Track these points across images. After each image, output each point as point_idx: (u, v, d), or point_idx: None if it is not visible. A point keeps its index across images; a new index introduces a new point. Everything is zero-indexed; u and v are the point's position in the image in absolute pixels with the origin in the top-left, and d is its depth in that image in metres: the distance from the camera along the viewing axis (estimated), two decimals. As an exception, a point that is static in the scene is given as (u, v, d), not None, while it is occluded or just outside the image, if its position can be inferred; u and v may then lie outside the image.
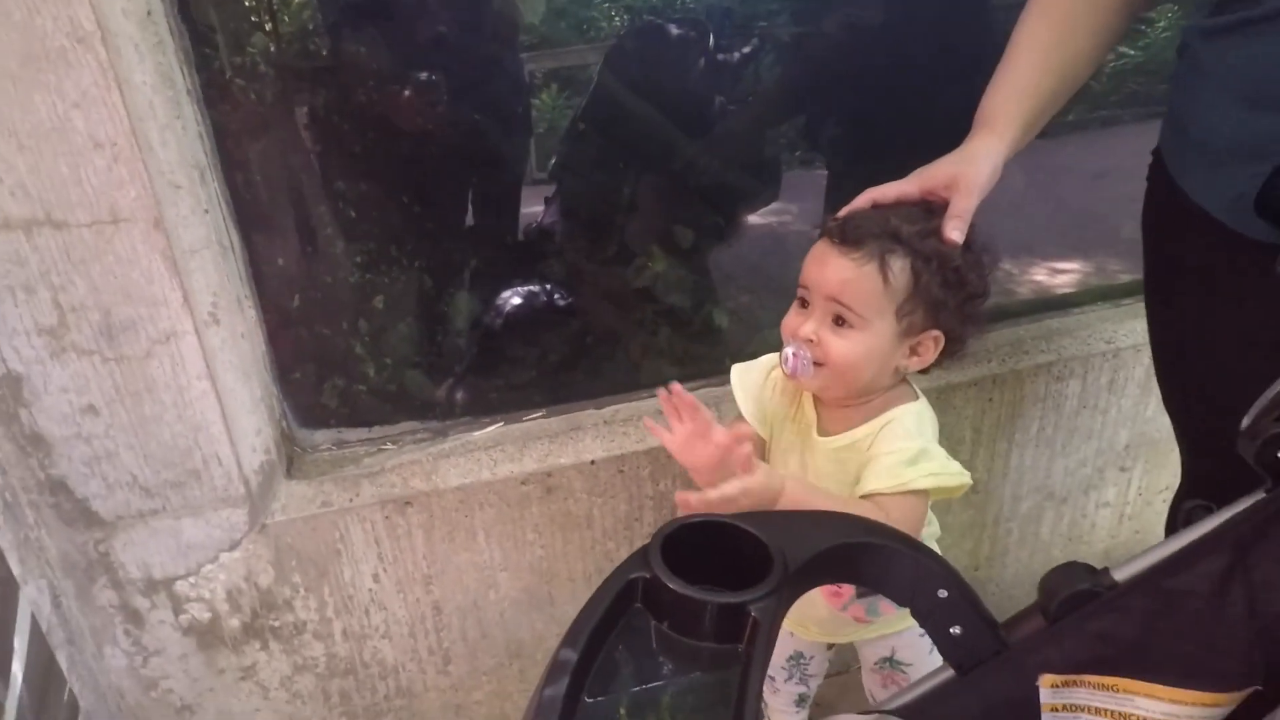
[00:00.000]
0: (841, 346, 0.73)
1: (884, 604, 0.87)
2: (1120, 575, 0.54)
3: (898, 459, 0.74)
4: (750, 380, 0.87)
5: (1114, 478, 1.35)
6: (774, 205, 1.77)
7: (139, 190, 0.75)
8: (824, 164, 1.76)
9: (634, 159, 1.62)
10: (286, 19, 1.08)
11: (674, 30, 1.67)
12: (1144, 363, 1.25)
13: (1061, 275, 1.77)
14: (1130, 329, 1.25)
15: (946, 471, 0.75)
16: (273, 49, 0.99)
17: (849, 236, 0.72)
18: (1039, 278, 1.79)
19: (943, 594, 0.53)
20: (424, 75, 1.16)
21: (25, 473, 0.82)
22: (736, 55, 1.72)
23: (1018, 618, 0.56)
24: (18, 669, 0.74)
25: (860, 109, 1.58)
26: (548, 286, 1.43)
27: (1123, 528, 1.41)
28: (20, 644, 0.75)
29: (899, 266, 0.71)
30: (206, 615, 0.95)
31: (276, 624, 0.98)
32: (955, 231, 0.72)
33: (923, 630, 0.56)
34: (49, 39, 0.68)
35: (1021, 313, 1.33)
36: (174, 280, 0.79)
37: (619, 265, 1.59)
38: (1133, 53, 1.47)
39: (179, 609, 0.93)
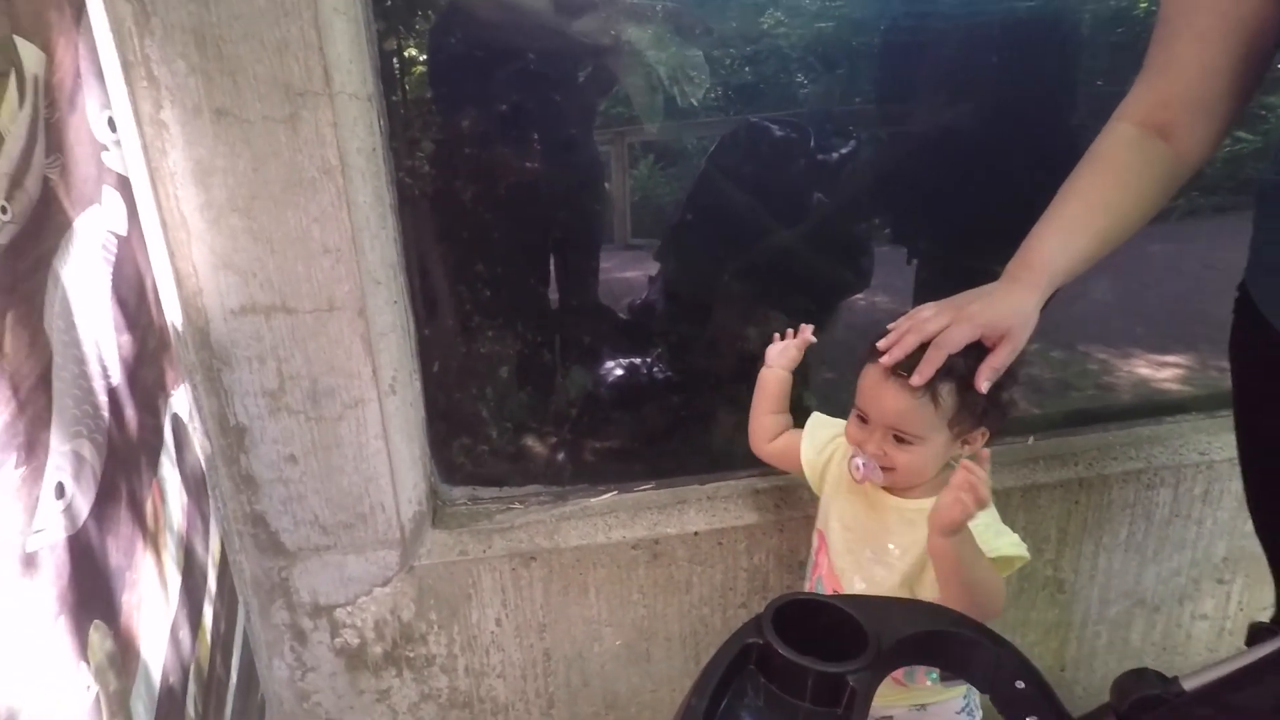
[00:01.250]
0: (904, 458, 0.85)
1: (920, 673, 0.93)
2: (1189, 685, 0.60)
3: (983, 530, 0.83)
4: (821, 437, 1.01)
5: (1211, 590, 1.33)
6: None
7: (351, 285, 0.94)
8: (913, 255, 1.85)
9: (734, 247, 1.76)
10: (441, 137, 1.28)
11: (777, 130, 1.82)
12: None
13: (1162, 371, 1.77)
14: (1226, 442, 1.26)
15: (1019, 543, 0.86)
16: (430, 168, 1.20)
17: (901, 371, 0.81)
18: (1137, 372, 1.79)
19: (1020, 685, 0.60)
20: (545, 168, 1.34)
21: (237, 506, 1.00)
22: (835, 155, 1.85)
23: (1090, 715, 0.63)
24: (235, 666, 0.90)
25: (944, 206, 1.68)
26: (653, 362, 1.56)
27: (1222, 642, 1.38)
28: (237, 649, 0.91)
29: (946, 392, 0.82)
30: (356, 641, 1.10)
31: (411, 655, 1.12)
32: (986, 382, 0.79)
33: (959, 709, 0.64)
34: (304, 171, 0.89)
35: (1111, 417, 1.36)
36: (367, 357, 0.97)
37: (718, 345, 1.71)
38: (1250, 138, 1.48)
39: (335, 633, 1.09)
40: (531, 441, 1.37)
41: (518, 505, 1.17)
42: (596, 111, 1.37)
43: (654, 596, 1.15)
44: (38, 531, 0.54)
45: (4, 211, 0.54)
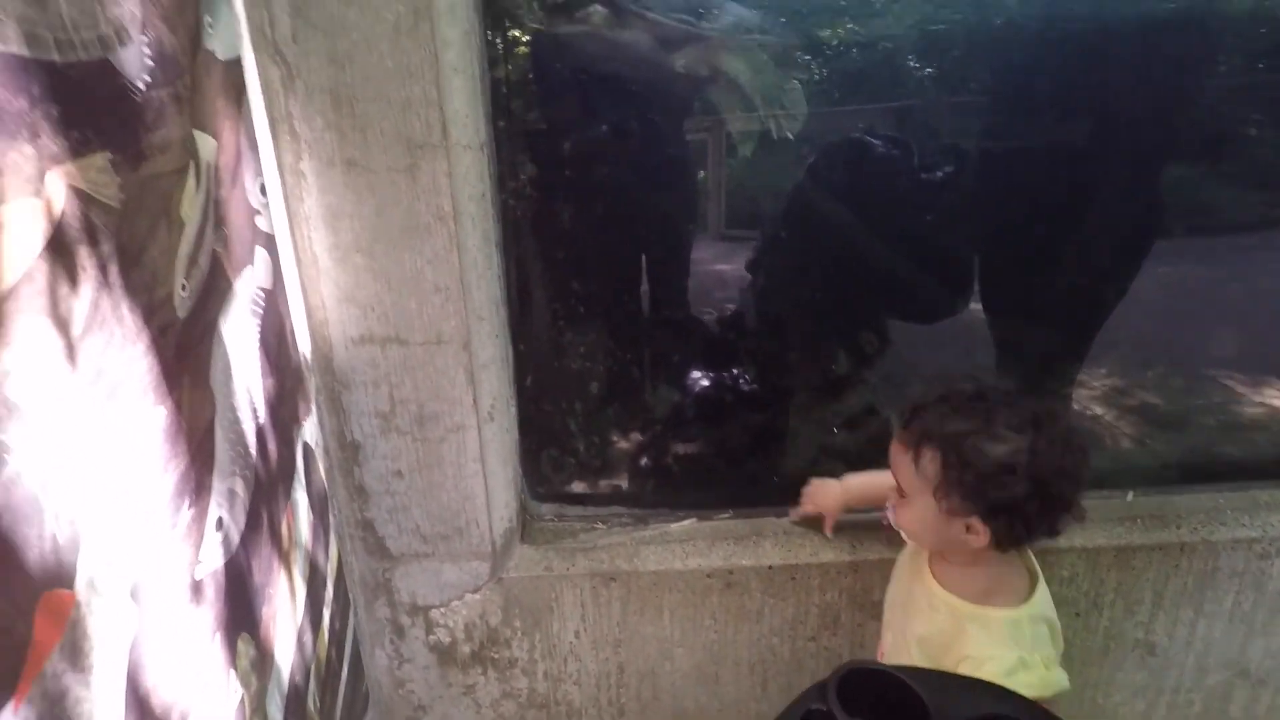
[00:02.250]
0: (901, 513, 0.89)
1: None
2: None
3: (996, 668, 0.81)
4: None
5: (1325, 670, 1.25)
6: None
7: (458, 321, 1.01)
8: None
9: (826, 266, 1.74)
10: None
11: (878, 146, 1.78)
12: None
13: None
14: (1355, 517, 1.18)
15: (1045, 683, 0.82)
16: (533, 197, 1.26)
17: (902, 423, 0.87)
18: (1271, 404, 1.67)
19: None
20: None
21: (350, 513, 1.11)
22: (939, 174, 1.80)
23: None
24: (346, 658, 1.01)
25: (1039, 230, 1.61)
26: (737, 383, 1.58)
27: (1332, 725, 1.30)
28: (349, 643, 1.02)
29: (929, 457, 0.82)
30: (447, 639, 1.19)
31: (496, 656, 1.21)
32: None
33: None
34: (420, 218, 0.96)
35: (1223, 475, 1.29)
36: (469, 387, 1.04)
37: (805, 368, 1.71)
38: None
39: (429, 630, 1.19)
40: (616, 461, 1.43)
41: (600, 525, 1.23)
42: (690, 141, 1.40)
43: (725, 623, 1.19)
44: (201, 563, 0.64)
45: (184, 289, 0.63)
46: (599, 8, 1.17)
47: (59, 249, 0.50)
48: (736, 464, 1.46)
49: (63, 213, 0.50)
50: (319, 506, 0.96)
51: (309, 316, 1.00)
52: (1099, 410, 1.86)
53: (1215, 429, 1.69)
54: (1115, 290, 1.71)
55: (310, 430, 0.97)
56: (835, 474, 1.43)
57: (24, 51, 0.47)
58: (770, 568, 1.16)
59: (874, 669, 0.71)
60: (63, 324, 0.50)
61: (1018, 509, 0.80)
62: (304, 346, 1.00)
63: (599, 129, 1.28)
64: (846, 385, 1.76)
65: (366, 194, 0.95)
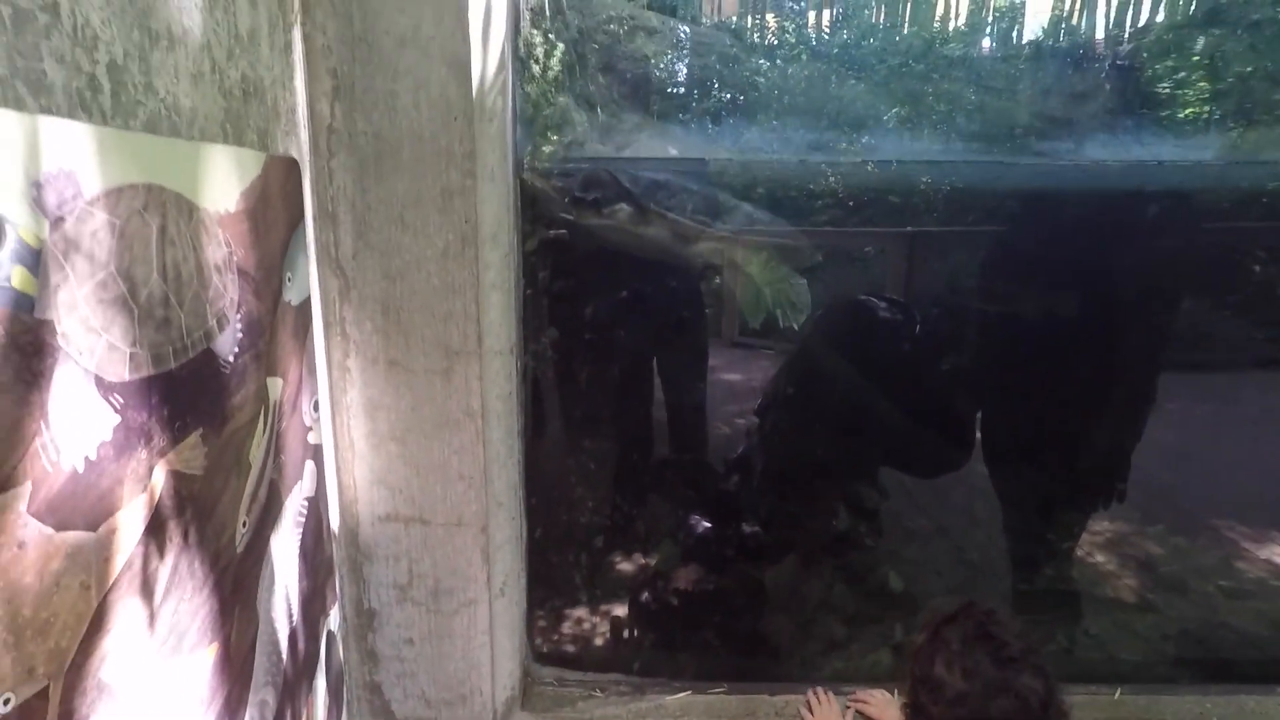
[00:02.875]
0: None
1: None
2: None
3: None
4: None
5: None
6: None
7: (478, 506, 1.09)
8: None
9: (830, 422, 1.82)
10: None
11: (883, 310, 1.89)
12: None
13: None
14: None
15: None
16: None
17: None
18: (1274, 561, 1.71)
19: None
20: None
21: (360, 675, 1.15)
22: (939, 338, 1.91)
23: None
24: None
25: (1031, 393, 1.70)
26: (735, 553, 1.64)
27: None
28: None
29: None
30: (443, 804, 1.21)
31: (489, 825, 1.22)
32: None
33: None
34: (451, 414, 1.05)
35: (1209, 678, 1.32)
36: (484, 566, 1.11)
37: (807, 521, 1.77)
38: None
39: (425, 795, 1.21)
40: (617, 627, 1.47)
41: (599, 693, 1.27)
42: (703, 323, 1.51)
43: (716, 801, 1.21)
44: (232, 782, 0.69)
45: (244, 525, 0.71)
46: (624, 206, 1.30)
47: (154, 529, 0.58)
48: (731, 640, 1.50)
49: (160, 498, 0.58)
50: (334, 686, 1.01)
51: (340, 495, 1.08)
52: (1101, 561, 1.90)
53: (1215, 591, 1.74)
54: (1115, 447, 1.79)
55: (334, 620, 1.03)
56: (832, 635, 1.47)
57: (151, 371, 0.57)
58: (762, 749, 1.19)
59: None
60: (149, 595, 0.57)
61: None
62: (334, 522, 1.07)
63: (623, 313, 1.40)
64: (847, 542, 1.81)
65: (405, 390, 1.04)
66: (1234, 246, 1.85)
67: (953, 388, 1.92)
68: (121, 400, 0.53)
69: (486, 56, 0.97)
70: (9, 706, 0.44)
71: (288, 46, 0.88)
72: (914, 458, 1.94)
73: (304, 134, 0.93)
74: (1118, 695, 1.28)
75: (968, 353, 1.93)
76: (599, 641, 1.41)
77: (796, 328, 1.45)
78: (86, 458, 0.50)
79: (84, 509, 0.50)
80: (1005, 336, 1.80)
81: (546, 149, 1.37)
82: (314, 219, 0.96)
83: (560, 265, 1.41)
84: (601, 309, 1.47)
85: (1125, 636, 1.72)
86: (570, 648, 1.37)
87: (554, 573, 1.47)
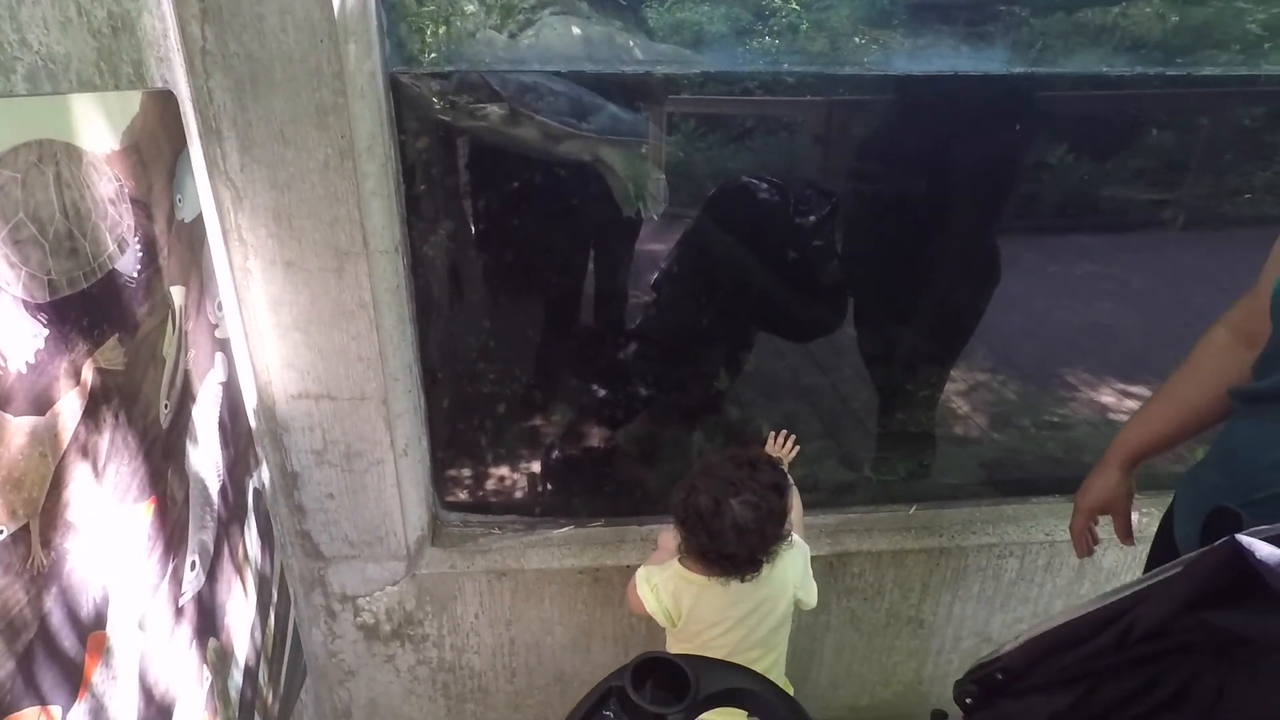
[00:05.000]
0: None
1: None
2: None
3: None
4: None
5: (1038, 639, 1.67)
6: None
7: (377, 383, 1.28)
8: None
9: (716, 294, 2.04)
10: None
11: (763, 191, 2.07)
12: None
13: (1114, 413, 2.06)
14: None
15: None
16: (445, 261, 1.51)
17: None
18: (1101, 401, 2.10)
19: (797, 727, 0.95)
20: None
21: (291, 525, 1.38)
22: (811, 217, 2.11)
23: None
24: (288, 641, 1.30)
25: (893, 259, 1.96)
26: (621, 412, 1.89)
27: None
28: (290, 627, 1.31)
29: None
30: (372, 621, 1.50)
31: (411, 633, 1.52)
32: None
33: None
34: (346, 306, 1.21)
35: (978, 496, 1.67)
36: (387, 432, 1.32)
37: (694, 384, 2.02)
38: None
39: (357, 614, 1.49)
40: (512, 476, 1.73)
41: (497, 531, 1.54)
42: (582, 214, 1.66)
43: (594, 607, 1.52)
44: (184, 594, 0.92)
45: (165, 407, 0.89)
46: (495, 108, 1.40)
47: (90, 412, 0.75)
48: (610, 483, 1.77)
49: (91, 388, 0.75)
50: (265, 532, 1.23)
51: (256, 378, 1.25)
52: (953, 405, 2.25)
53: (1036, 429, 2.11)
54: (963, 308, 2.07)
55: (259, 479, 1.23)
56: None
57: (68, 292, 0.72)
58: (629, 566, 1.49)
59: (662, 657, 1.04)
60: (94, 460, 0.76)
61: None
62: (251, 402, 1.25)
63: (503, 198, 1.53)
64: (727, 399, 2.08)
65: (303, 287, 1.19)
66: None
67: (825, 261, 2.14)
68: (47, 317, 0.69)
69: (345, -21, 1.05)
70: (3, 536, 0.63)
71: (151, -26, 0.95)
72: (791, 324, 2.19)
73: (178, 58, 1.01)
74: (912, 511, 1.62)
75: (837, 230, 2.15)
76: (501, 492, 1.68)
77: (656, 218, 1.62)
78: (28, 362, 0.66)
79: (33, 399, 0.67)
80: (868, 215, 2.01)
81: (429, 55, 1.44)
82: (200, 136, 1.07)
83: (449, 163, 1.52)
84: (491, 201, 1.61)
85: (951, 465, 2.08)
86: (476, 497, 1.63)
87: (462, 436, 1.70)
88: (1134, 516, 1.15)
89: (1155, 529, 1.09)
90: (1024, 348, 2.50)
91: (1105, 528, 1.17)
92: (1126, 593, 0.74)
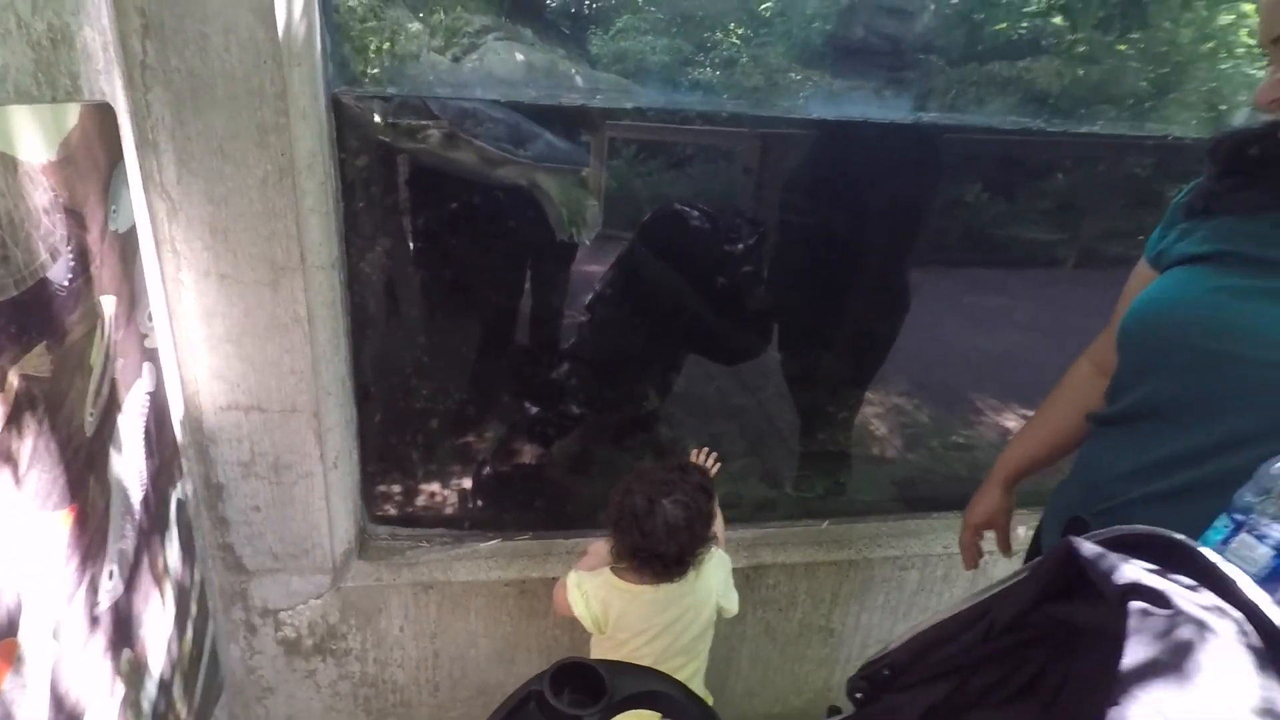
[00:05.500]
0: None
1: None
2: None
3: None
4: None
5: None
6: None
7: (309, 395, 1.29)
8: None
9: (648, 316, 2.12)
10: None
11: (694, 218, 2.17)
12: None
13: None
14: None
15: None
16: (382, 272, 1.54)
17: None
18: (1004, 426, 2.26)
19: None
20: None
21: (213, 538, 1.37)
22: (740, 245, 2.22)
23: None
24: (205, 654, 1.29)
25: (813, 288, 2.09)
26: (551, 429, 1.93)
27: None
28: (208, 641, 1.30)
29: None
30: (293, 635, 1.49)
31: (334, 647, 1.51)
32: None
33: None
34: (280, 320, 1.23)
35: (887, 512, 1.79)
36: (317, 445, 1.33)
37: (624, 403, 2.08)
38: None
39: (278, 629, 1.47)
40: (442, 491, 1.75)
41: (424, 545, 1.55)
42: (517, 236, 1.71)
43: (519, 619, 1.56)
44: (99, 604, 0.91)
45: (91, 415, 0.89)
46: (434, 132, 1.45)
47: (13, 418, 0.76)
48: (539, 497, 1.81)
49: (16, 394, 0.76)
50: (186, 541, 1.23)
51: (184, 389, 1.25)
52: (870, 427, 2.39)
53: (943, 449, 2.26)
54: (878, 335, 2.21)
55: (183, 490, 1.22)
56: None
57: (-3, 300, 0.73)
58: (554, 578, 1.53)
59: (580, 661, 1.08)
60: (15, 466, 0.77)
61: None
62: (178, 414, 1.24)
63: (439, 218, 1.57)
64: (655, 419, 2.15)
65: (237, 299, 1.20)
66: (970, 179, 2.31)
67: (752, 287, 2.25)
68: (-23, 323, 0.70)
69: (291, 5, 1.08)
70: (-78, 539, 0.64)
71: (93, -11, 0.96)
72: (719, 348, 2.29)
73: (118, 71, 1.02)
74: (825, 525, 1.72)
75: (764, 258, 2.27)
76: (430, 506, 1.69)
77: (588, 243, 1.69)
78: (-44, 368, 0.67)
79: (-41, 405, 0.68)
80: (794, 244, 2.14)
81: (372, 72, 1.48)
82: (136, 148, 1.08)
83: (388, 182, 1.56)
84: (429, 220, 1.64)
85: (866, 483, 2.21)
86: (404, 510, 1.64)
87: (393, 450, 1.71)
88: (1020, 530, 1.27)
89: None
90: (938, 373, 2.69)
91: (991, 541, 1.28)
92: (991, 592, 0.83)
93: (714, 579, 1.29)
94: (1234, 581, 0.58)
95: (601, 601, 1.26)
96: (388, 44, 1.70)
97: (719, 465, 1.43)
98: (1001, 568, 1.72)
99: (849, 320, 2.18)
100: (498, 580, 1.51)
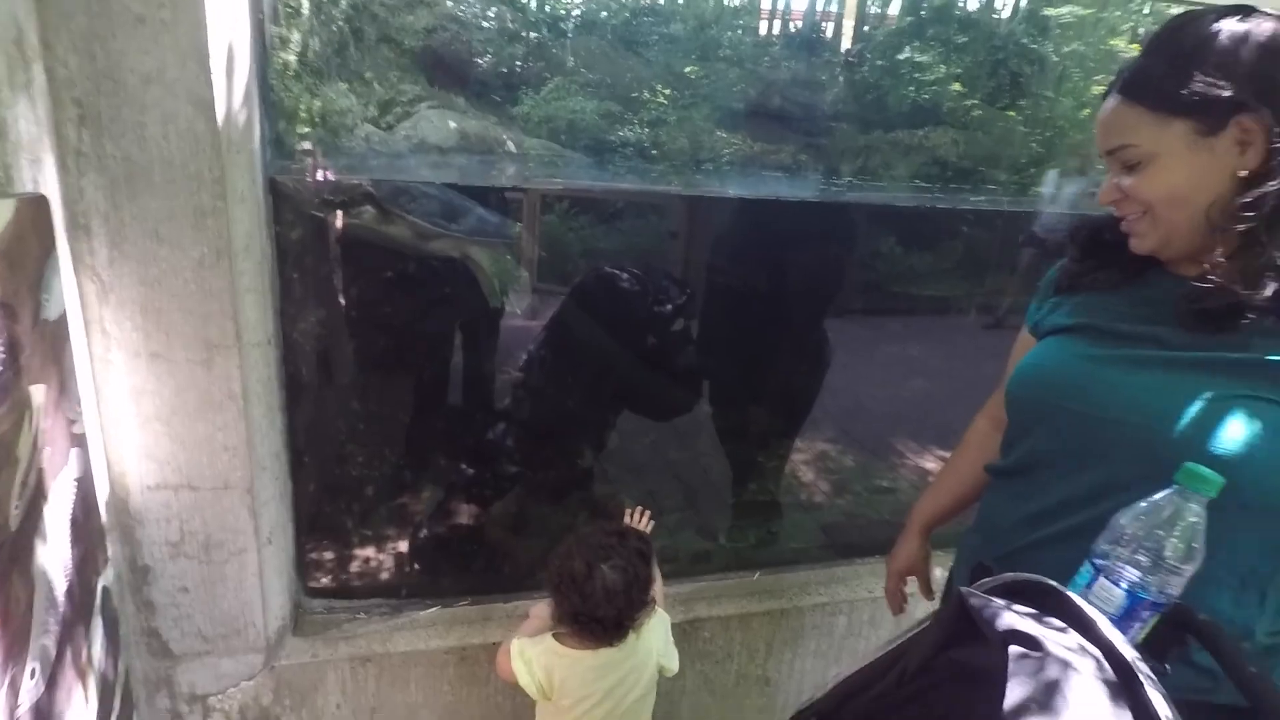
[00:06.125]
0: None
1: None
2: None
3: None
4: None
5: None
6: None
7: (244, 471, 1.28)
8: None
9: (582, 376, 2.18)
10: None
11: (624, 280, 2.26)
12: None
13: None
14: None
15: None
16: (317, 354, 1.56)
17: None
18: (923, 469, 2.39)
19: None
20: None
21: (137, 623, 1.32)
22: (669, 306, 2.31)
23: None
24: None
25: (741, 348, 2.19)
26: (486, 493, 1.95)
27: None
28: (131, 743, 1.24)
29: None
30: None
31: (267, 730, 1.47)
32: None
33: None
34: (214, 397, 1.23)
35: (816, 559, 1.88)
36: (251, 521, 1.31)
37: (560, 461, 2.12)
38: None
39: (206, 715, 1.42)
40: (379, 558, 1.74)
41: (361, 616, 1.54)
42: (451, 304, 1.76)
43: (459, 687, 1.55)
44: (20, 705, 0.89)
45: (16, 508, 0.88)
46: (369, 208, 1.49)
47: (-57, 519, 0.75)
48: (477, 561, 1.82)
49: (-54, 494, 0.75)
50: (111, 630, 1.19)
51: (110, 469, 1.22)
52: (798, 474, 2.49)
53: (866, 493, 2.37)
54: (801, 390, 2.33)
55: (108, 576, 1.19)
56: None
57: (-70, 400, 0.73)
58: (495, 643, 1.53)
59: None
60: (-58, 568, 0.75)
61: None
62: (103, 495, 1.22)
63: (376, 292, 1.61)
64: (590, 477, 2.19)
65: (168, 378, 1.20)
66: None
67: (682, 346, 2.35)
68: (-90, 426, 0.69)
69: (231, 95, 1.12)
70: None
71: (29, 83, 0.98)
72: (651, 404, 2.36)
73: (50, 157, 1.03)
74: (756, 576, 1.79)
75: (692, 317, 2.38)
76: (367, 575, 1.68)
77: (519, 312, 1.75)
78: (-113, 473, 0.67)
79: (-111, 511, 0.67)
80: (719, 304, 2.25)
81: (306, 151, 1.51)
82: (67, 231, 1.08)
83: (324, 255, 1.58)
84: (364, 290, 1.67)
85: (796, 530, 2.29)
86: (341, 582, 1.62)
87: (328, 520, 1.69)
88: (938, 572, 1.37)
89: (947, 584, 1.30)
90: (861, 421, 2.84)
91: (915, 584, 1.38)
92: (903, 639, 0.91)
93: (654, 639, 1.33)
94: (1095, 623, 0.68)
95: (545, 668, 1.28)
96: (319, 121, 1.75)
97: (653, 524, 1.49)
98: (923, 609, 1.82)
99: (774, 373, 2.30)
100: (437, 649, 1.50)
